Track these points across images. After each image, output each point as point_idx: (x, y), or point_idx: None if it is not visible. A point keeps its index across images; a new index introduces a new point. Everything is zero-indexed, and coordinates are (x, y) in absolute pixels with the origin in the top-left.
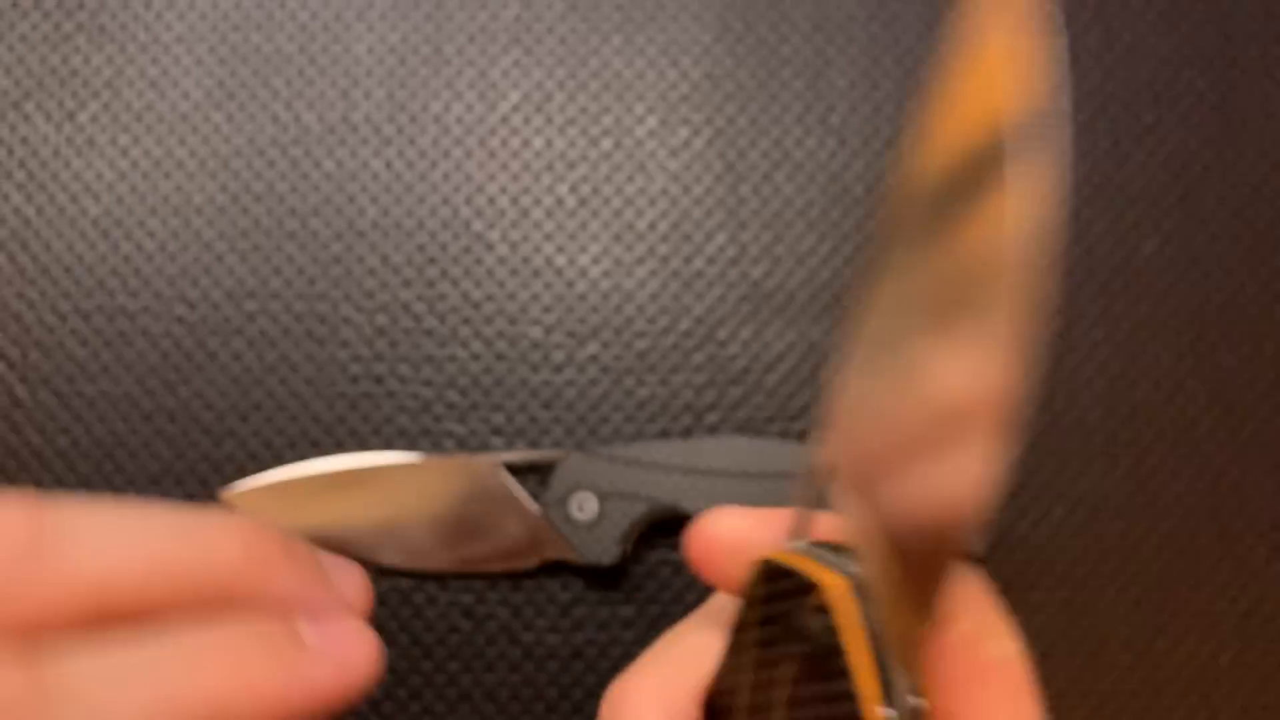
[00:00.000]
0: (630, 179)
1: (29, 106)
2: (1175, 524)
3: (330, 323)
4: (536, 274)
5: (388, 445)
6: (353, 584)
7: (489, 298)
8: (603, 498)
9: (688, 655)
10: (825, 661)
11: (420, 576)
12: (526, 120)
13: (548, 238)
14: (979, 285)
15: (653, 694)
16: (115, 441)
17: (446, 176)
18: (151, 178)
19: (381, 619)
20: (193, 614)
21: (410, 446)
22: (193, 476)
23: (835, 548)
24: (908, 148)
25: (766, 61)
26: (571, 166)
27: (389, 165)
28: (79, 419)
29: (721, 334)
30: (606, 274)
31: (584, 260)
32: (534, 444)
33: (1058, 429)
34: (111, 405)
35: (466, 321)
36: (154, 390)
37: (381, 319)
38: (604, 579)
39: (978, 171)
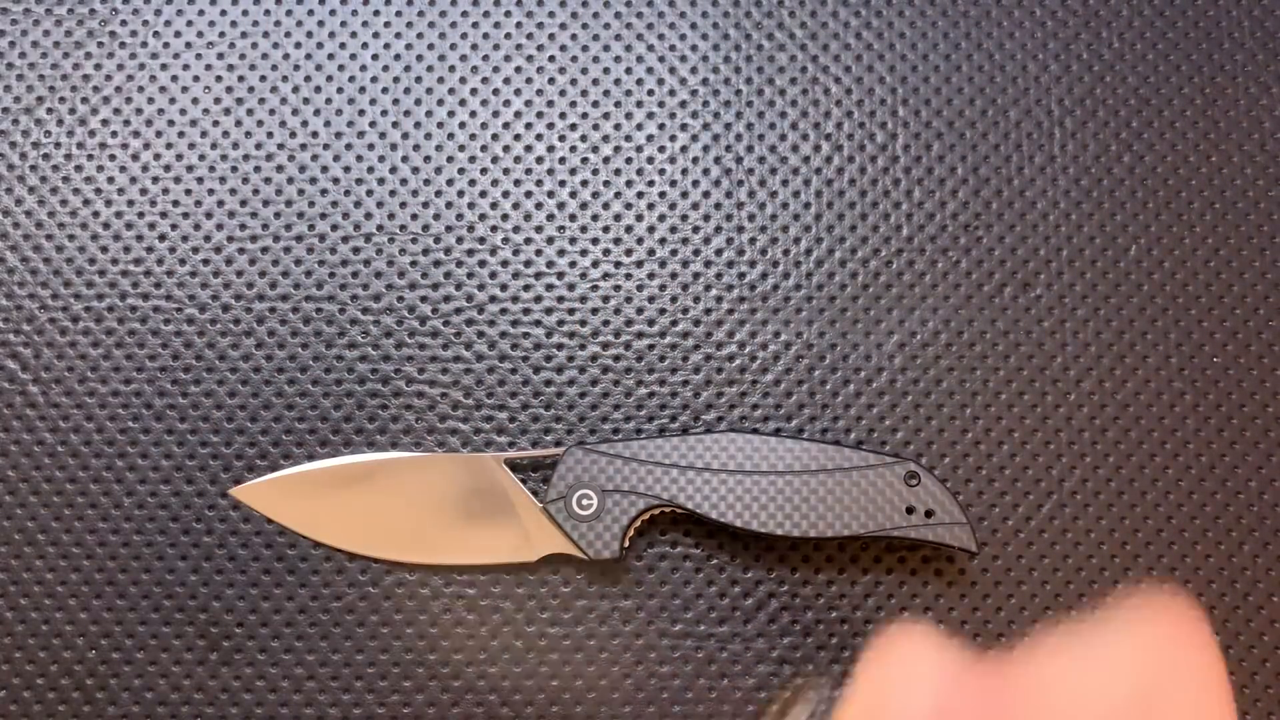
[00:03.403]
0: (630, 184)
1: (42, 111)
2: (1163, 520)
3: (338, 324)
4: (539, 276)
5: (394, 444)
6: None
7: (492, 299)
8: (603, 494)
9: None
10: None
11: (426, 570)
12: (529, 126)
13: (550, 241)
14: None
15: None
16: (127, 440)
17: (451, 181)
18: (162, 181)
19: (388, 612)
20: None
21: (416, 445)
22: (203, 475)
23: None
24: None
25: (762, 70)
26: (573, 172)
27: (395, 170)
28: (91, 418)
29: (718, 335)
30: (607, 276)
31: (585, 263)
32: (536, 442)
33: (1047, 427)
34: (123, 405)
35: (471, 323)
36: (165, 390)
37: (388, 320)
38: (604, 573)
39: None
